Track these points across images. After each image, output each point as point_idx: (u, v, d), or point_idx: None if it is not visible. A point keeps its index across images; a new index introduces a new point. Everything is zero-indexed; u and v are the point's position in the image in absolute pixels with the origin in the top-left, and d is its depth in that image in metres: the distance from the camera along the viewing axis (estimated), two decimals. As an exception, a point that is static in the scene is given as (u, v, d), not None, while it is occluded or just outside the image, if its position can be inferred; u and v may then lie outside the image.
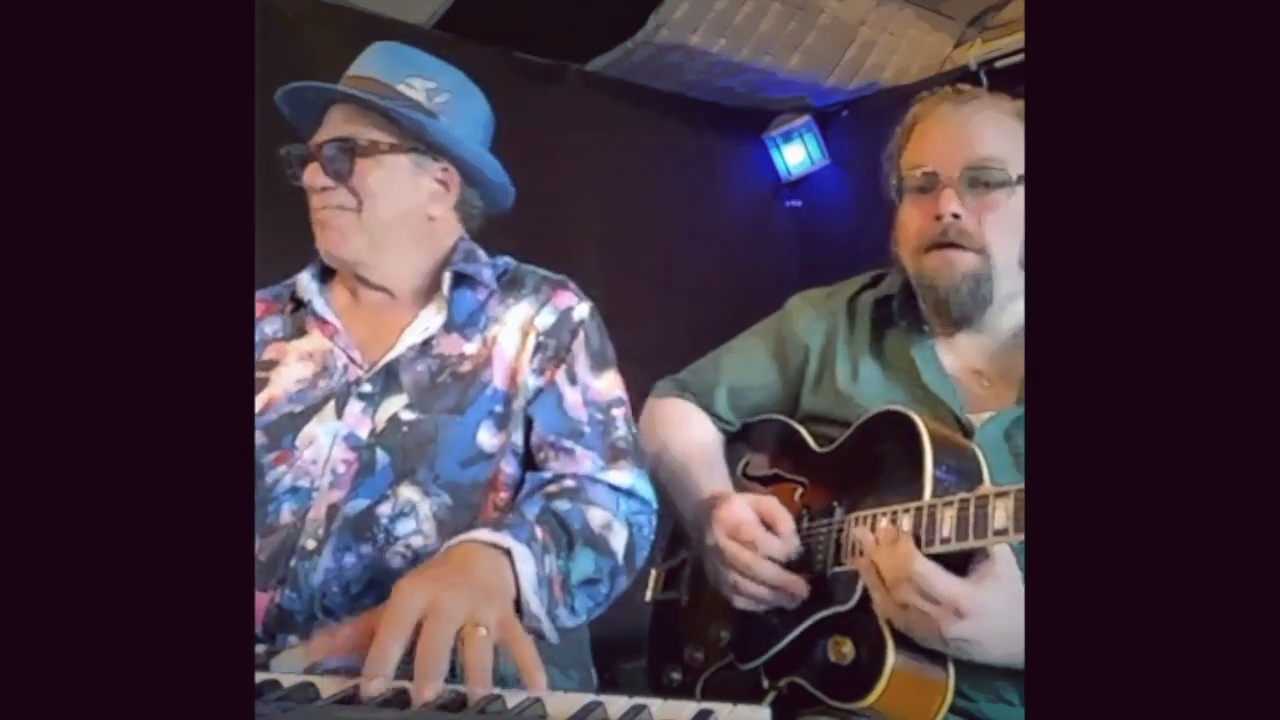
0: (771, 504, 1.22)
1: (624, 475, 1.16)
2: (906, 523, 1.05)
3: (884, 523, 1.07)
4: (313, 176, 1.21)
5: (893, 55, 3.50)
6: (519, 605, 0.94)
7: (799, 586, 1.16)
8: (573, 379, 1.21)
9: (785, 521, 1.20)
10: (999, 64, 3.31)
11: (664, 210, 3.48)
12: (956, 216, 1.20)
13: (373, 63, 1.26)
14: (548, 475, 1.15)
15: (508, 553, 0.94)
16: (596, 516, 1.10)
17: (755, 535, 1.19)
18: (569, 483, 1.13)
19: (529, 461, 1.20)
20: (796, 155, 3.84)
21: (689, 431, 1.40)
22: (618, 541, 1.11)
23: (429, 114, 1.22)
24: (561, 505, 1.08)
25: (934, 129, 1.26)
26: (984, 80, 3.32)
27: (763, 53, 3.34)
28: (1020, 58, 3.20)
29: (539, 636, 0.97)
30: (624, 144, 3.41)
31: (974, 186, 1.20)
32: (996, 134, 1.22)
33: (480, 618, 0.82)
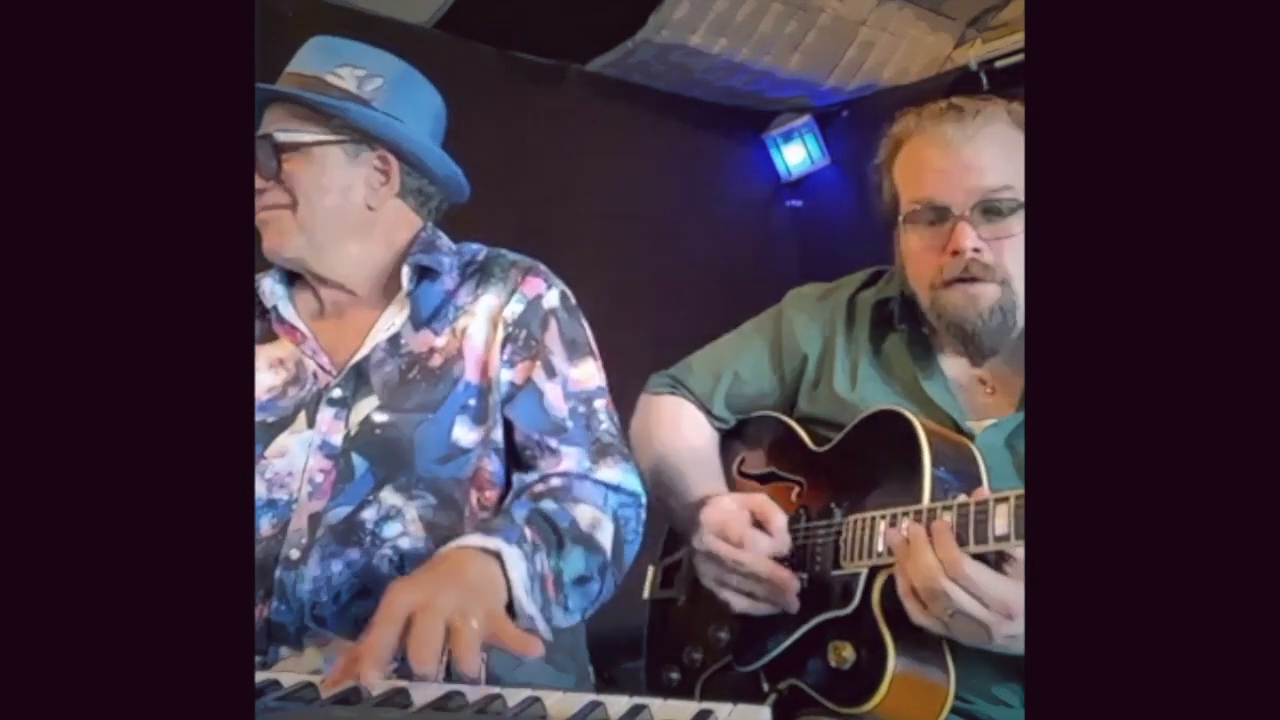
0: (762, 500, 1.21)
1: (611, 471, 1.15)
2: (906, 525, 1.05)
3: (905, 523, 1.06)
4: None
5: (893, 55, 3.50)
6: (512, 607, 0.94)
7: (790, 582, 1.15)
8: (550, 372, 1.18)
9: (776, 518, 1.19)
10: (999, 64, 3.32)
11: (664, 210, 3.48)
12: (977, 251, 1.16)
13: (304, 56, 1.23)
14: (534, 476, 1.14)
15: (498, 556, 0.95)
16: (584, 514, 1.09)
17: (743, 532, 1.18)
18: (555, 482, 1.12)
19: (513, 460, 1.19)
20: (796, 155, 3.84)
21: (683, 431, 1.38)
22: (605, 537, 1.10)
23: (360, 101, 1.19)
24: (549, 505, 1.07)
25: (933, 154, 1.19)
26: (984, 80, 3.33)
27: (763, 53, 3.34)
28: (1020, 58, 3.20)
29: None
30: (624, 144, 3.41)
31: (988, 216, 1.16)
32: (1002, 156, 1.16)
33: (469, 613, 0.83)
